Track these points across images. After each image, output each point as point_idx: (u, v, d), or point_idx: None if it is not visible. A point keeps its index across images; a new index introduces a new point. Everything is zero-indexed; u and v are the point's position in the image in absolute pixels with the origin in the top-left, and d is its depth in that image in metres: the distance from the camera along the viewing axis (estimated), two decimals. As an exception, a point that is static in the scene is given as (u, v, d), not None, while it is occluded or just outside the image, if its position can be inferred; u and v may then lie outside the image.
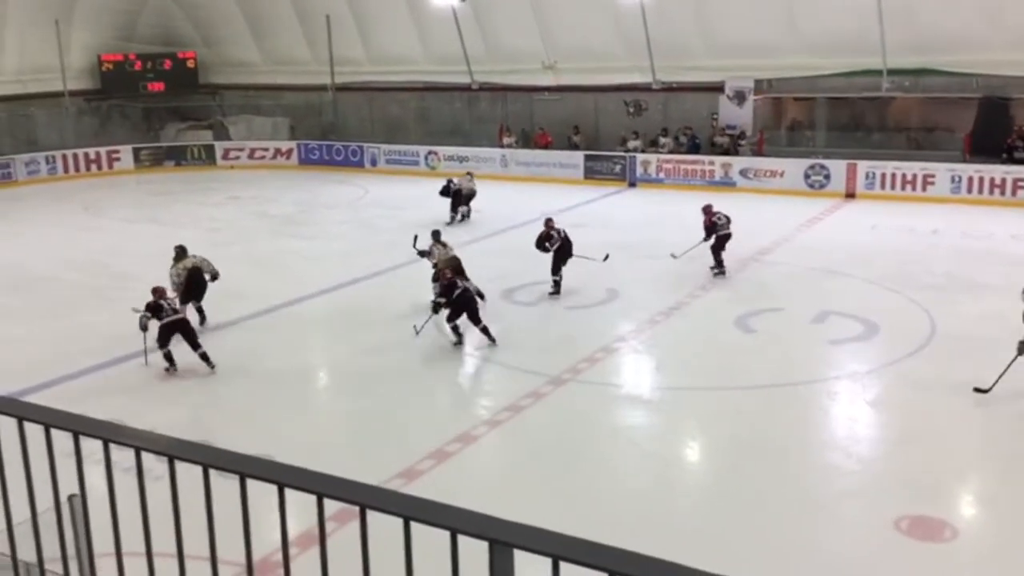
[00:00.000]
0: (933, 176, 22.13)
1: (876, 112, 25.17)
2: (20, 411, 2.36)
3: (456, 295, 12.03)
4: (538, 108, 28.31)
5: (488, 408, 10.38)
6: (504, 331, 13.34)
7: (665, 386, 11.16)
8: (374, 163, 29.09)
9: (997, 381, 9.81)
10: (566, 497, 8.12)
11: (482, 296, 12.96)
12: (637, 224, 20.17)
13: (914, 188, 22.29)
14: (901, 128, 24.89)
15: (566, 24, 26.12)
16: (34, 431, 2.36)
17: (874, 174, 22.75)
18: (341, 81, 30.83)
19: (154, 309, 11.33)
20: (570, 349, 12.08)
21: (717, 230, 15.42)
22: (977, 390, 10.00)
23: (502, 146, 27.81)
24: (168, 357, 11.37)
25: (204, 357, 11.45)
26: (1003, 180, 21.34)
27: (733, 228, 15.61)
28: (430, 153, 28.36)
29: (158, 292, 11.60)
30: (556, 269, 14.65)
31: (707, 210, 15.68)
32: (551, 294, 14.61)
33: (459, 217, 20.71)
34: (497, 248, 18.32)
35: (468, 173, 22.31)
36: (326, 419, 10.63)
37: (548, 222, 15.00)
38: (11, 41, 28.64)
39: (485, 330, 12.13)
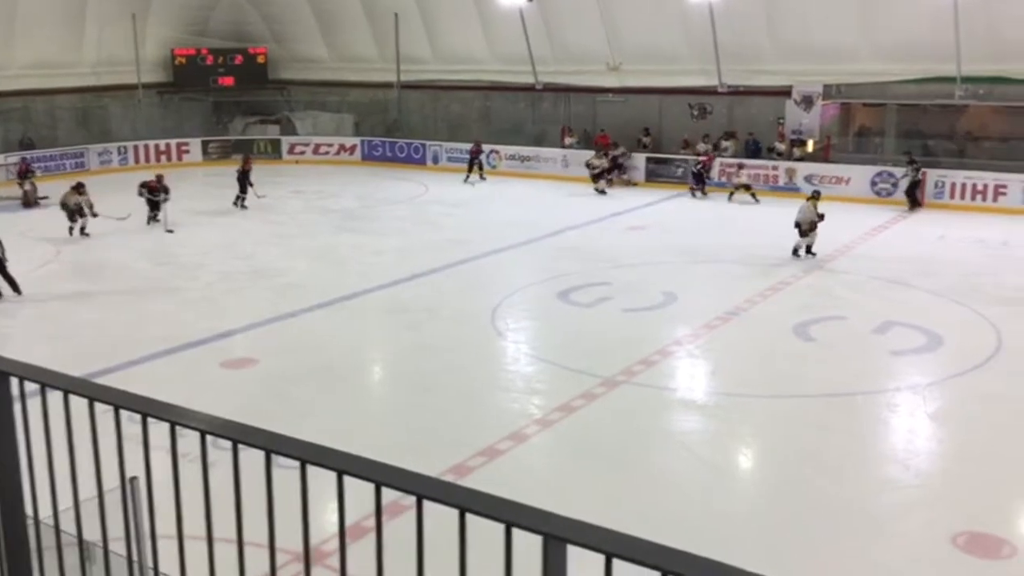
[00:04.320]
0: (1005, 187, 21.56)
1: (948, 120, 24.56)
2: (91, 392, 2.43)
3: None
4: (601, 109, 28.23)
5: (540, 407, 10.39)
6: (559, 332, 13.39)
7: (720, 392, 11.05)
8: (436, 160, 29.30)
9: None
10: (616, 500, 8.10)
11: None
12: (697, 228, 20.00)
13: (984, 199, 21.73)
14: (973, 137, 24.24)
15: (632, 25, 25.99)
16: (101, 411, 2.43)
17: (943, 183, 22.21)
18: (407, 79, 31.11)
19: (151, 190, 20.74)
20: (625, 351, 12.02)
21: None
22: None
23: (564, 147, 27.80)
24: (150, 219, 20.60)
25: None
26: (1079, 193, 20.71)
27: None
28: (491, 152, 28.50)
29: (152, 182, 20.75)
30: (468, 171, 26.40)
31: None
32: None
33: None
34: (553, 249, 18.32)
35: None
36: (377, 413, 10.74)
37: (478, 142, 27.20)
38: (90, 34, 29.51)
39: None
